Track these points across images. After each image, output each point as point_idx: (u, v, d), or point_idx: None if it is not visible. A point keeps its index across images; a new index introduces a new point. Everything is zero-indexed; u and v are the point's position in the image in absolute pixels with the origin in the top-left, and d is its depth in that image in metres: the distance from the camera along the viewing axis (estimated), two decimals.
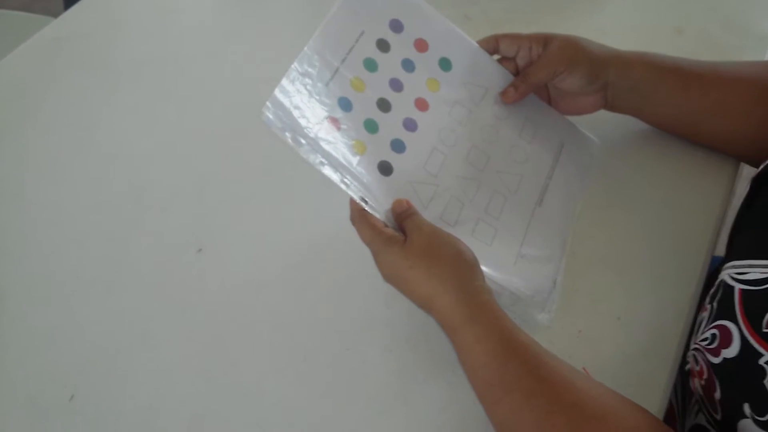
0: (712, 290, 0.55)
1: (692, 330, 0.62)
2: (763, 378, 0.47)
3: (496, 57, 0.71)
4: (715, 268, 0.67)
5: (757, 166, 0.72)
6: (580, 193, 0.69)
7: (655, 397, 0.58)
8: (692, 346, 0.55)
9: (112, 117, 0.78)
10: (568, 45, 0.67)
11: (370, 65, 0.63)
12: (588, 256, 0.66)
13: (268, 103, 0.55)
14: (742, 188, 0.73)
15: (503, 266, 0.61)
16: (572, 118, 0.73)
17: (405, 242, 0.54)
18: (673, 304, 0.63)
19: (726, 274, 0.53)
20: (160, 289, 0.65)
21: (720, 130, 0.70)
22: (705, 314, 0.54)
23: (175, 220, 0.70)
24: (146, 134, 0.77)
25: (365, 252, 0.59)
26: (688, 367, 0.56)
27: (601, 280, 0.65)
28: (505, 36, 0.69)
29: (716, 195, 0.71)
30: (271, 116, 0.55)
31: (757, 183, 0.60)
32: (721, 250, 0.68)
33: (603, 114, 0.72)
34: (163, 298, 0.64)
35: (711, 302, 0.54)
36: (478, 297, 0.53)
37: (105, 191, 0.72)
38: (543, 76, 0.67)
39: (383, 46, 0.64)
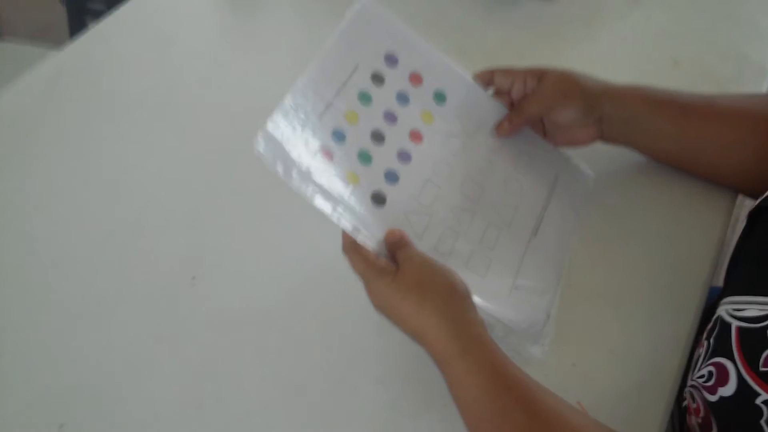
0: (709, 326, 0.54)
1: (689, 364, 0.61)
2: (760, 418, 0.46)
3: (490, 90, 0.71)
4: (713, 299, 0.67)
5: (754, 198, 0.72)
6: (575, 226, 0.69)
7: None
8: (689, 382, 0.54)
9: (111, 147, 0.79)
10: (563, 79, 0.67)
11: (365, 98, 0.63)
12: (583, 288, 0.66)
13: (259, 137, 0.55)
14: (741, 218, 0.73)
15: (497, 297, 0.61)
16: (567, 151, 0.73)
17: (397, 273, 0.54)
18: (669, 337, 0.63)
19: (723, 310, 0.53)
20: (153, 317, 0.65)
21: (716, 163, 0.70)
22: (702, 350, 0.53)
23: (169, 248, 0.70)
24: (144, 164, 0.77)
25: (357, 282, 0.59)
26: (685, 403, 0.56)
27: (596, 312, 0.64)
28: (500, 70, 0.69)
29: (714, 226, 0.71)
30: (261, 149, 0.55)
31: (753, 217, 0.59)
32: (719, 281, 0.68)
33: (598, 145, 0.72)
34: (155, 327, 0.64)
35: (708, 338, 0.53)
36: (470, 330, 0.52)
37: (101, 221, 0.72)
38: (537, 109, 0.68)
39: (378, 79, 0.65)
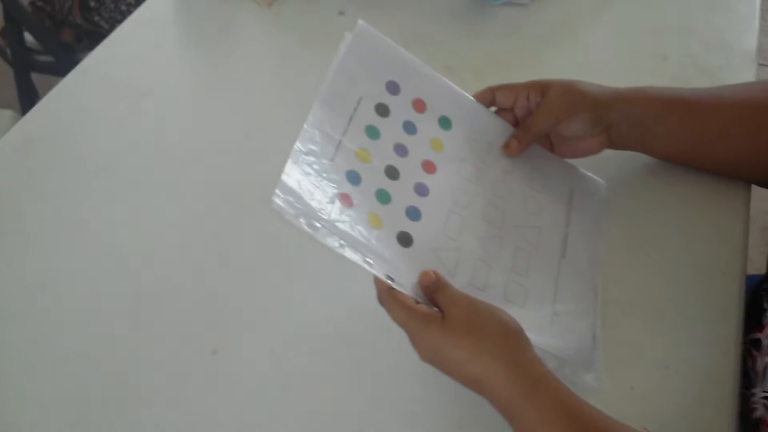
0: None
1: (744, 369, 0.59)
2: None
3: (492, 109, 0.68)
4: (753, 288, 0.65)
5: (766, 187, 0.70)
6: (599, 239, 0.66)
7: None
8: (759, 393, 0.51)
9: (98, 216, 0.73)
10: (568, 90, 0.65)
11: (372, 133, 0.60)
12: (621, 303, 0.63)
13: (277, 190, 0.51)
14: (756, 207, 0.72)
15: (541, 328, 0.57)
16: (574, 162, 0.70)
17: (443, 319, 0.50)
18: (719, 342, 0.60)
19: None
20: (173, 399, 0.60)
21: (727, 157, 0.68)
22: None
23: (182, 321, 0.65)
24: (138, 229, 0.72)
25: (394, 329, 0.55)
26: (757, 414, 0.53)
27: (640, 326, 0.62)
28: (501, 87, 0.67)
29: (734, 219, 0.69)
30: (281, 203, 0.51)
31: None
32: (752, 269, 0.66)
33: (603, 153, 0.70)
34: (177, 410, 0.59)
35: None
36: (534, 370, 0.49)
37: (102, 297, 0.67)
38: (545, 125, 0.65)
39: (383, 110, 0.61)
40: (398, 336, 0.54)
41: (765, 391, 0.50)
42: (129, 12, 1.49)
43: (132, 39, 0.95)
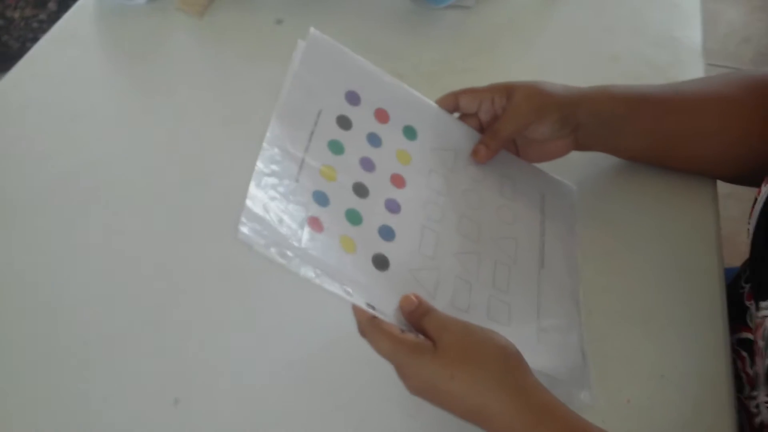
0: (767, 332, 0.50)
1: (734, 368, 0.57)
2: None
3: (456, 115, 0.65)
4: (729, 283, 0.64)
5: (732, 183, 0.69)
6: (575, 246, 0.64)
7: None
8: (762, 398, 0.49)
9: (28, 264, 0.66)
10: (534, 92, 0.62)
11: (336, 148, 0.55)
12: (605, 312, 0.60)
13: (243, 218, 0.46)
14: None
15: (528, 346, 0.53)
16: (542, 166, 0.68)
17: (435, 348, 0.46)
18: (707, 343, 0.59)
19: None
20: None
21: (693, 154, 0.67)
22: None
23: (138, 371, 0.58)
24: (77, 274, 0.65)
25: (374, 360, 0.50)
26: (759, 420, 0.51)
27: (628, 335, 0.59)
28: (464, 92, 0.63)
29: (705, 215, 0.68)
30: (248, 231, 0.46)
31: None
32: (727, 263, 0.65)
33: (568, 156, 0.67)
34: None
35: None
36: (537, 396, 0.45)
37: (47, 352, 0.60)
38: (513, 129, 0.62)
39: (344, 123, 0.57)
40: (379, 367, 0.50)
41: None
42: (42, 29, 1.40)
43: (52, 58, 0.88)
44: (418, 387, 0.47)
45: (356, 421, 0.55)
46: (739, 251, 0.70)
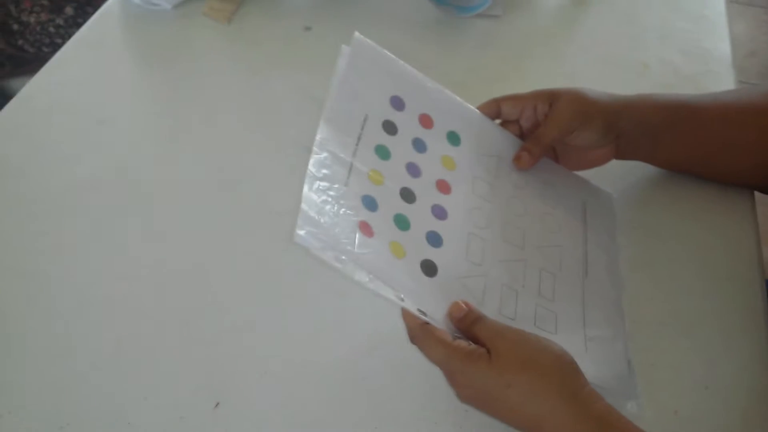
0: None
1: None
2: None
3: (497, 122, 0.64)
4: None
5: None
6: (616, 255, 0.63)
7: None
8: None
9: (61, 267, 0.65)
10: (577, 99, 0.62)
11: (383, 153, 0.55)
12: (648, 322, 0.60)
13: (299, 221, 0.45)
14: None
15: (576, 356, 0.53)
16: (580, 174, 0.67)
17: (490, 355, 0.45)
18: (751, 355, 0.58)
19: None
20: None
21: (732, 164, 0.67)
22: None
23: (177, 373, 0.57)
24: (113, 276, 0.64)
25: (415, 366, 0.50)
26: None
27: (672, 345, 0.59)
28: (507, 99, 0.63)
29: (744, 226, 0.67)
30: (305, 235, 0.45)
31: None
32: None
33: (605, 165, 0.67)
34: None
35: None
36: (595, 406, 0.44)
37: (79, 353, 0.59)
38: (556, 135, 0.61)
39: (390, 128, 0.56)
40: (423, 373, 0.49)
41: None
42: (59, 35, 1.39)
43: (78, 62, 0.87)
44: (471, 395, 0.46)
45: (396, 430, 0.54)
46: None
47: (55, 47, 1.12)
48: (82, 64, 0.87)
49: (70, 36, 0.91)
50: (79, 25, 0.95)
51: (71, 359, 0.59)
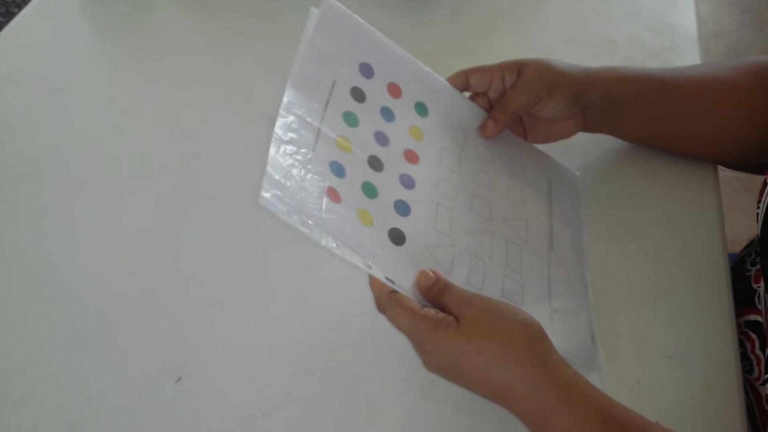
0: None
1: (742, 349, 0.58)
2: None
3: (466, 93, 0.64)
4: (732, 266, 0.64)
5: (735, 169, 0.70)
6: (580, 229, 0.63)
7: None
8: None
9: (24, 236, 0.63)
10: (545, 68, 0.61)
11: (350, 119, 0.54)
12: (613, 294, 0.60)
13: (264, 183, 0.44)
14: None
15: (542, 326, 0.53)
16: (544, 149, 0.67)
17: (459, 323, 0.45)
18: (714, 325, 0.59)
19: None
20: (136, 424, 0.51)
21: (698, 138, 0.67)
22: None
23: (137, 347, 0.56)
24: (76, 248, 0.63)
25: (383, 337, 0.50)
26: None
27: (637, 317, 0.59)
28: (475, 70, 0.62)
29: (708, 200, 0.68)
30: (270, 197, 0.44)
31: None
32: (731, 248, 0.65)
33: (572, 140, 0.67)
34: None
35: None
36: (564, 373, 0.45)
37: (42, 329, 0.57)
38: (522, 103, 0.61)
39: (358, 95, 0.55)
40: (388, 346, 0.49)
41: None
42: (15, 3, 1.35)
43: (36, 29, 0.84)
44: (439, 364, 0.46)
45: (365, 401, 0.54)
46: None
47: (10, 17, 1.08)
48: (39, 31, 0.84)
49: (26, 4, 0.88)
50: None
51: (29, 333, 0.57)
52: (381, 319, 0.49)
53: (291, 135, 0.48)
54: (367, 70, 0.57)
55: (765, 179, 0.57)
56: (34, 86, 0.77)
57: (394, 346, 0.54)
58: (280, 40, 0.70)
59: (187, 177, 0.68)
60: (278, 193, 0.44)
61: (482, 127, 0.62)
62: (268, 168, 0.45)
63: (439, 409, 0.53)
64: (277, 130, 0.48)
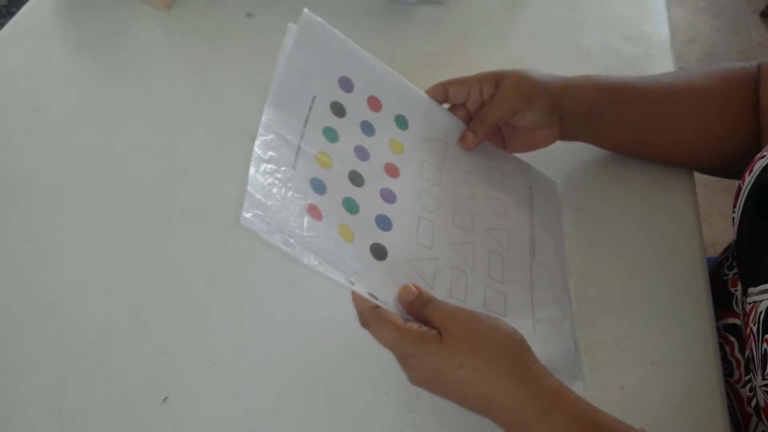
0: (760, 317, 0.50)
1: (721, 352, 0.58)
2: None
3: (445, 105, 0.64)
4: (710, 270, 0.65)
5: (710, 174, 0.71)
6: (562, 237, 0.64)
7: None
8: (760, 382, 0.50)
9: (6, 254, 0.63)
10: (522, 79, 0.62)
11: (331, 135, 0.54)
12: (594, 301, 0.61)
13: (245, 203, 0.44)
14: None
15: (525, 336, 0.53)
16: (524, 159, 0.68)
17: (442, 337, 0.45)
18: (695, 330, 0.59)
19: None
20: None
21: (673, 145, 0.68)
22: (767, 347, 0.49)
23: (122, 368, 0.56)
24: (56, 269, 0.62)
25: (366, 351, 0.50)
26: (755, 402, 0.52)
27: (618, 323, 0.60)
28: (453, 82, 0.63)
29: (685, 205, 0.69)
30: (251, 218, 0.44)
31: (756, 199, 0.56)
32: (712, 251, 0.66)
33: (551, 149, 0.67)
34: None
35: None
36: (546, 384, 0.45)
37: (25, 351, 0.57)
38: (501, 114, 0.62)
39: (338, 110, 0.56)
40: (373, 361, 0.49)
41: (765, 379, 0.49)
42: None
43: (11, 50, 0.84)
44: (423, 377, 0.46)
45: (351, 415, 0.54)
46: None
47: None
48: (16, 53, 0.84)
49: (2, 25, 0.88)
50: (12, 14, 0.92)
51: (11, 354, 0.57)
52: (365, 333, 0.49)
53: (271, 153, 0.49)
54: (346, 84, 0.57)
55: (739, 185, 0.58)
56: (11, 107, 0.77)
57: (378, 360, 0.54)
58: (257, 56, 0.70)
59: (167, 195, 0.68)
60: (259, 212, 0.45)
61: (462, 139, 0.62)
62: (249, 188, 0.45)
63: (424, 421, 0.53)
64: (257, 149, 0.48)
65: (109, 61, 0.84)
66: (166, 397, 0.53)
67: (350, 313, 0.50)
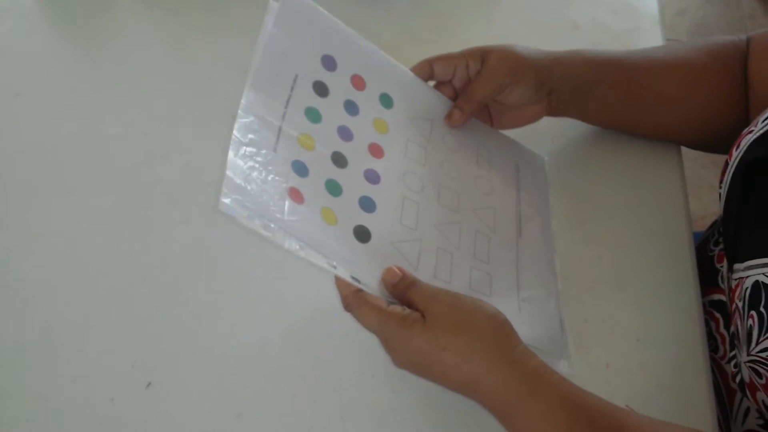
0: (745, 294, 0.50)
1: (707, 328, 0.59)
2: None
3: (431, 83, 0.63)
4: (697, 246, 0.65)
5: (697, 149, 0.71)
6: (549, 215, 0.64)
7: (705, 417, 0.53)
8: (744, 358, 0.50)
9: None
10: (509, 55, 0.61)
11: (313, 115, 0.53)
12: (581, 278, 0.61)
13: (224, 188, 0.43)
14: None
15: (510, 317, 0.53)
16: (511, 135, 0.67)
17: (425, 319, 0.45)
18: (682, 308, 0.60)
19: (761, 275, 0.49)
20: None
21: (661, 119, 0.68)
22: (752, 322, 0.49)
23: (108, 352, 0.55)
24: (38, 255, 0.61)
25: (351, 334, 0.50)
26: (739, 378, 0.52)
27: (605, 301, 0.60)
28: (439, 58, 0.62)
29: (672, 181, 0.69)
30: (230, 203, 0.43)
31: (742, 174, 0.55)
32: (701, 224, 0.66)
33: (539, 125, 0.67)
34: None
35: (755, 309, 0.49)
36: (530, 364, 0.45)
37: (16, 334, 0.56)
38: (488, 91, 0.61)
39: (321, 89, 0.55)
40: (359, 344, 0.50)
41: (754, 356, 0.49)
42: None
43: None
44: (407, 360, 0.46)
45: (338, 398, 0.54)
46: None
47: None
48: None
49: None
50: None
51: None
52: (348, 316, 0.49)
53: (251, 136, 0.48)
54: (329, 63, 0.56)
55: (726, 159, 0.58)
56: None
57: (363, 343, 0.54)
58: (240, 34, 0.68)
59: (150, 179, 0.67)
60: (238, 197, 0.44)
61: (448, 117, 0.62)
62: (228, 172, 0.45)
63: (410, 402, 0.53)
64: (236, 132, 0.47)
65: (90, 42, 0.82)
66: (150, 383, 0.53)
67: (333, 296, 0.50)
